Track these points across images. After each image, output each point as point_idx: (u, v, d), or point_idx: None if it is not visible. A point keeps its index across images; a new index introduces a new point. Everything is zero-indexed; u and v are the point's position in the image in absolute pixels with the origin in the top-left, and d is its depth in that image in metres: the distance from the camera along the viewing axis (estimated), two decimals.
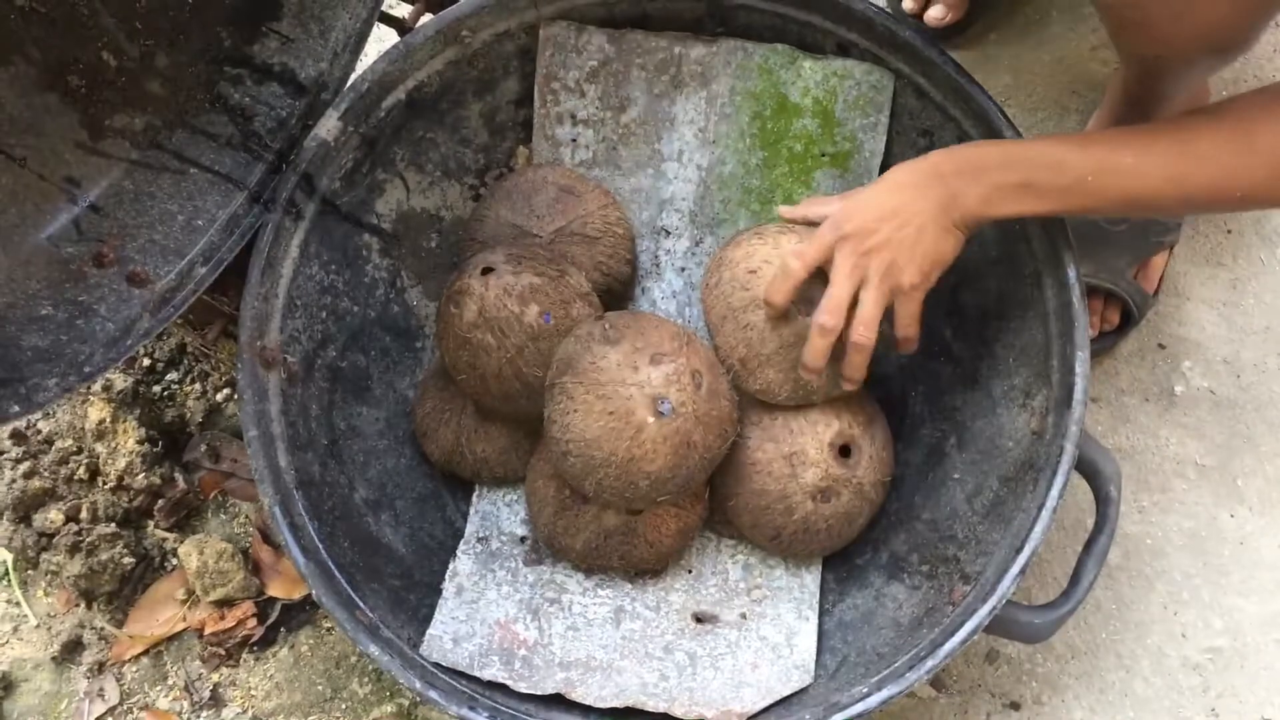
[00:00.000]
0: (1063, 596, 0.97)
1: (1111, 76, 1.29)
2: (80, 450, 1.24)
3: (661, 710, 0.99)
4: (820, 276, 0.96)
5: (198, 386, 1.31)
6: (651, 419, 0.96)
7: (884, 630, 1.04)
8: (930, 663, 0.92)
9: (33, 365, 0.90)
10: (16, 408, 0.87)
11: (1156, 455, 1.27)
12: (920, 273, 0.93)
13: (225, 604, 1.22)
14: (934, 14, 1.38)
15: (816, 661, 1.04)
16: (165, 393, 1.31)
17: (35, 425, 1.27)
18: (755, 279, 1.03)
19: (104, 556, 1.19)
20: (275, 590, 1.23)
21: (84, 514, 1.21)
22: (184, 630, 1.22)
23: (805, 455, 1.02)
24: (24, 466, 1.23)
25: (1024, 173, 0.90)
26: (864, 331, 0.93)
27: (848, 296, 0.93)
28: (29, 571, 1.25)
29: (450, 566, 1.10)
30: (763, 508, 1.04)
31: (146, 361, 1.31)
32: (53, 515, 1.21)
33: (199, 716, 1.20)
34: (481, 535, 1.13)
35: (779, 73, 1.14)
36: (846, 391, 1.02)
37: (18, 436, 1.26)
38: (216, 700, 1.20)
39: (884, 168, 1.15)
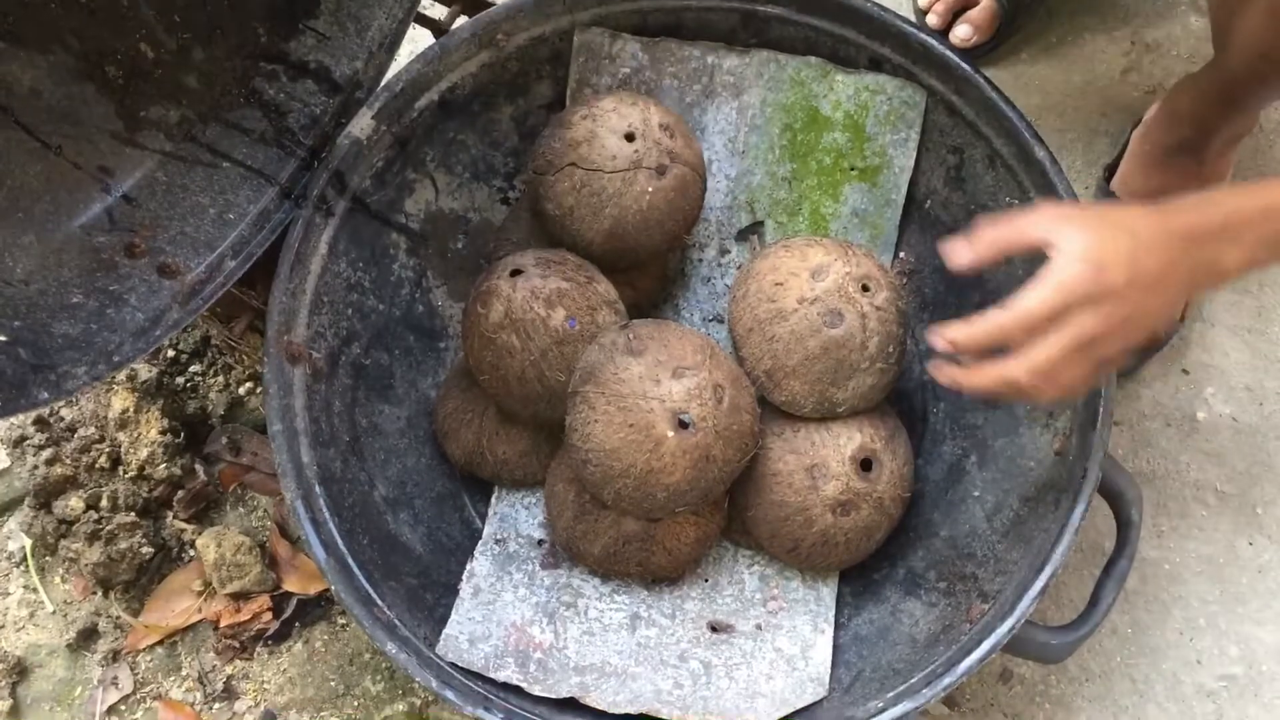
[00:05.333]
0: (1081, 618, 0.97)
1: (1182, 82, 1.27)
2: (103, 439, 1.25)
3: (675, 718, 0.99)
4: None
5: (221, 379, 1.32)
6: (671, 433, 0.96)
7: (900, 646, 1.03)
8: (947, 680, 0.91)
9: (63, 352, 0.90)
10: (46, 394, 0.87)
11: (1177, 480, 1.27)
12: (1130, 345, 0.79)
13: (241, 597, 1.22)
14: (960, 33, 1.38)
15: (831, 675, 1.04)
16: (188, 384, 1.31)
17: (58, 413, 1.28)
18: (781, 291, 1.03)
19: (122, 545, 1.20)
20: (291, 585, 1.23)
21: (104, 502, 1.22)
22: (199, 622, 1.23)
23: (826, 468, 1.02)
24: (46, 453, 1.23)
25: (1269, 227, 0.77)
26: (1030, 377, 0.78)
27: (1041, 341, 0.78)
28: (47, 558, 1.26)
29: (468, 567, 1.10)
30: (782, 519, 1.04)
31: (171, 353, 1.31)
32: (73, 503, 1.22)
33: (212, 708, 1.20)
34: (499, 537, 1.13)
35: (811, 85, 1.14)
36: (871, 404, 1.02)
37: (41, 423, 1.27)
38: (229, 693, 1.21)
39: (913, 184, 1.15)
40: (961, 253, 0.82)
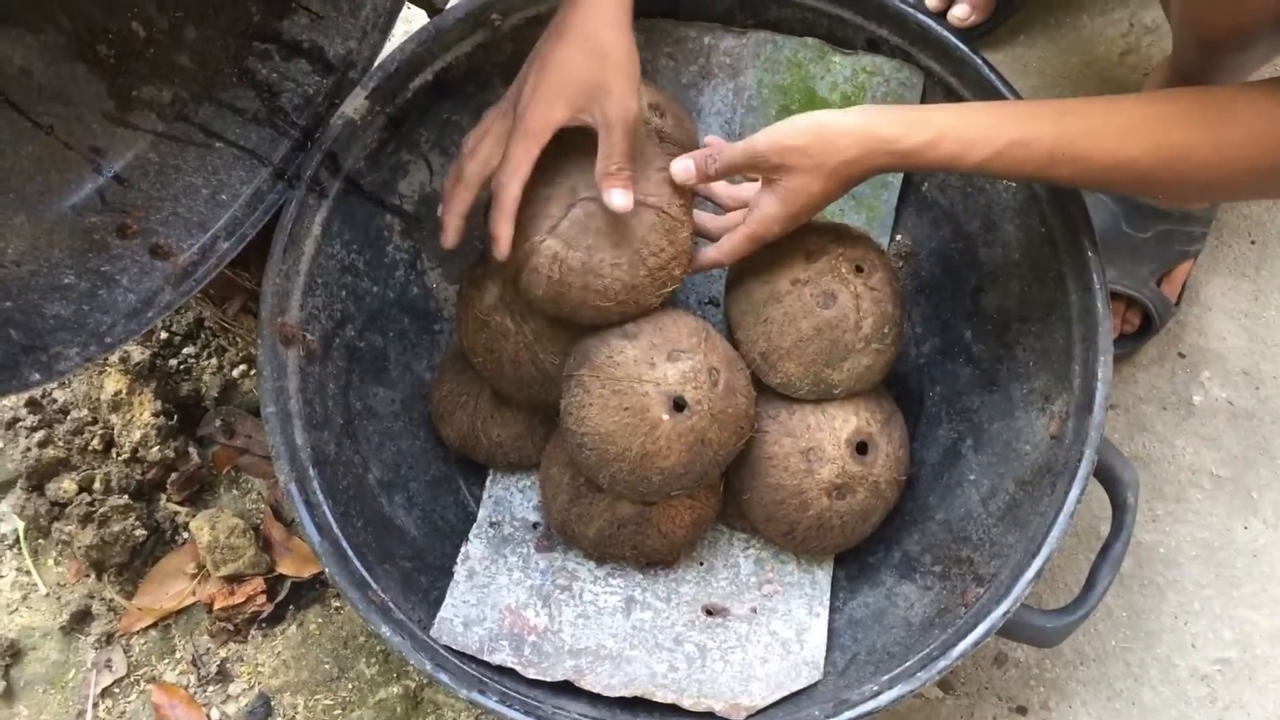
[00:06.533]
0: (1076, 602, 0.97)
1: (1152, 74, 1.28)
2: (95, 421, 1.25)
3: (670, 701, 0.99)
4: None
5: (214, 361, 1.31)
6: (666, 416, 0.95)
7: (894, 629, 1.03)
8: (942, 663, 0.91)
9: (55, 334, 0.90)
10: (38, 375, 0.87)
11: (1172, 464, 1.27)
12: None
13: (235, 580, 1.22)
14: (958, 13, 1.37)
15: (826, 658, 1.04)
16: (182, 366, 1.31)
17: (51, 395, 1.27)
18: (774, 273, 1.03)
19: (116, 528, 1.19)
20: (285, 568, 1.23)
21: (97, 485, 1.21)
22: (193, 604, 1.23)
23: (822, 451, 1.02)
24: (39, 435, 1.23)
25: (942, 173, 0.91)
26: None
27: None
28: (40, 540, 1.25)
29: (462, 550, 1.10)
30: (777, 502, 1.04)
31: (164, 335, 1.31)
32: (66, 485, 1.21)
33: (205, 691, 1.20)
34: (494, 520, 1.13)
35: (808, 67, 1.14)
36: (868, 386, 1.02)
37: (33, 405, 1.26)
38: (223, 675, 1.20)
39: None
40: (685, 171, 0.97)
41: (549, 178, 0.96)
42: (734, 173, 0.97)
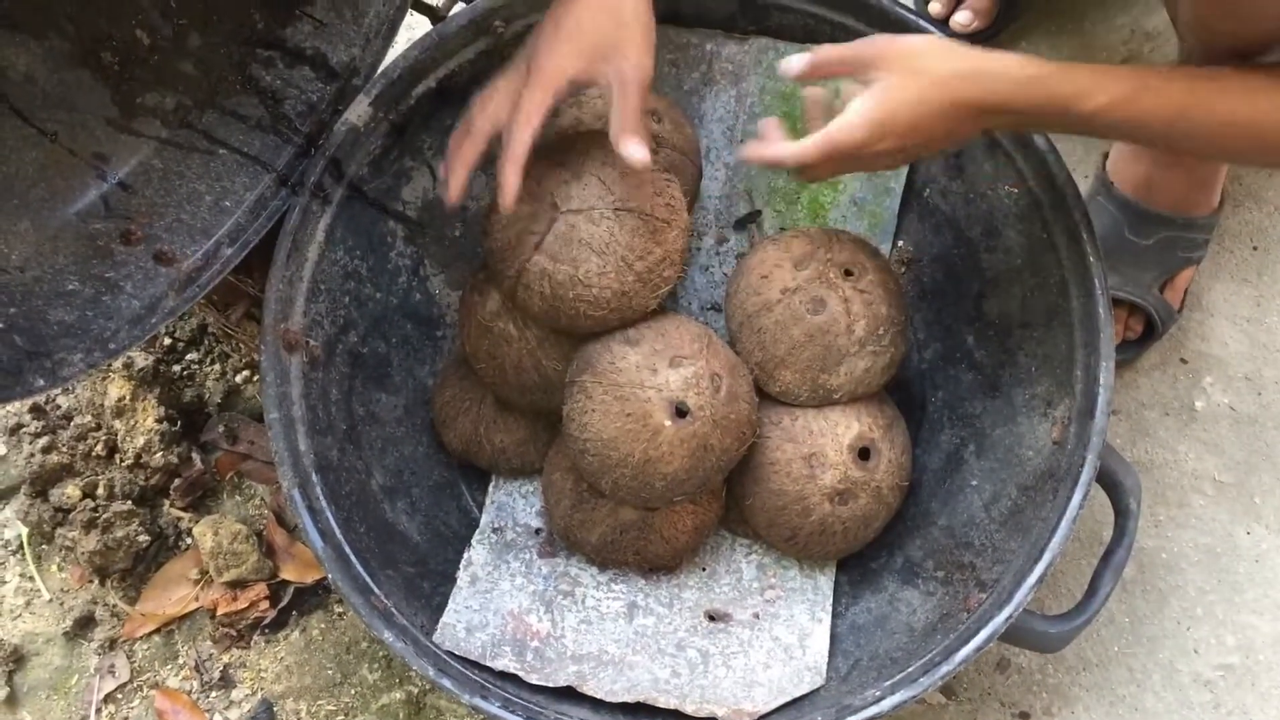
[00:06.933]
0: (1078, 608, 0.97)
1: None
2: (99, 427, 1.25)
3: (672, 707, 0.99)
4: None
5: (217, 367, 1.31)
6: (669, 422, 0.96)
7: (897, 635, 1.03)
8: (944, 668, 0.91)
9: (59, 340, 0.90)
10: (42, 381, 0.87)
11: (1175, 470, 1.27)
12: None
13: (238, 585, 1.22)
14: (960, 19, 1.37)
15: (829, 664, 1.04)
16: (185, 372, 1.31)
17: (55, 400, 1.28)
18: (766, 284, 1.03)
19: (119, 534, 1.20)
20: (288, 573, 1.23)
21: (100, 490, 1.22)
22: (196, 610, 1.23)
23: (824, 457, 1.02)
24: (43, 441, 1.23)
25: (1051, 119, 0.88)
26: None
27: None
28: (44, 546, 1.26)
29: (465, 555, 1.10)
30: (780, 508, 1.04)
31: (167, 341, 1.31)
32: (69, 491, 1.21)
33: (208, 696, 1.20)
34: (497, 526, 1.13)
35: None
36: (871, 389, 1.02)
37: (37, 411, 1.26)
38: (226, 681, 1.21)
39: (912, 172, 1.15)
40: (796, 66, 0.93)
41: (530, 194, 0.96)
42: (831, 65, 0.92)
